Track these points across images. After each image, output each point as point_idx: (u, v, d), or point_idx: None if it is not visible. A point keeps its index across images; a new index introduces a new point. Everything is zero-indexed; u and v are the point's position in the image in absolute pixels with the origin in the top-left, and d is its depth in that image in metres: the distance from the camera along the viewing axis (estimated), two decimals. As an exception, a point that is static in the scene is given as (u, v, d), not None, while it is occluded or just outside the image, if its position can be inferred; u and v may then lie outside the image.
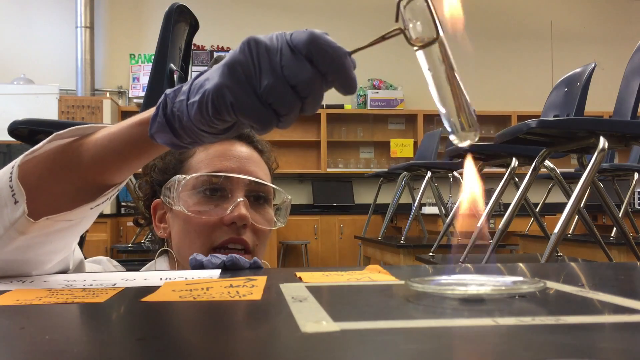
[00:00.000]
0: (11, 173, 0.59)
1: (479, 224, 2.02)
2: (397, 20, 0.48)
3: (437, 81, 0.48)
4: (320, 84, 0.47)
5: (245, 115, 0.47)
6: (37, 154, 0.62)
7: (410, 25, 0.48)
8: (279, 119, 0.48)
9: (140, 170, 1.03)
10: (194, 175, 0.93)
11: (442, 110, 0.49)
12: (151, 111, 0.55)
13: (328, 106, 5.86)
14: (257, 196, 0.96)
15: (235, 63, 0.47)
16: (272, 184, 1.00)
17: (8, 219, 0.59)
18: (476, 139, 0.48)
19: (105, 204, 0.66)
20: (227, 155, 0.95)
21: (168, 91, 0.53)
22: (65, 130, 0.62)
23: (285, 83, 0.46)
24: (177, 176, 0.94)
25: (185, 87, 0.51)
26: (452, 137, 0.49)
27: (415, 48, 0.48)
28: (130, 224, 1.09)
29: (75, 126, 0.63)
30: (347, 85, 0.48)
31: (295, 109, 0.47)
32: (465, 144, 0.49)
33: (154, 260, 0.99)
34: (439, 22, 0.47)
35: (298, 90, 0.47)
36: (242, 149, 0.98)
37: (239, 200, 0.91)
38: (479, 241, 2.05)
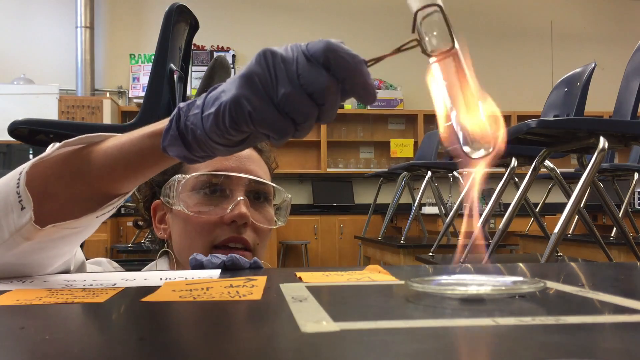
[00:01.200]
0: (18, 179, 0.59)
1: (479, 224, 2.02)
2: (413, 31, 0.48)
3: (452, 92, 0.48)
4: (337, 92, 0.47)
5: (263, 125, 0.47)
6: (46, 160, 0.62)
7: (426, 38, 0.48)
8: (296, 128, 0.48)
9: None
10: (193, 174, 0.93)
11: (456, 121, 0.48)
12: (161, 123, 0.55)
13: (328, 106, 5.86)
14: (257, 195, 0.96)
15: (252, 74, 0.47)
16: (272, 183, 1.00)
17: (14, 224, 0.59)
18: (490, 150, 0.48)
19: (111, 212, 0.66)
20: None
21: (181, 105, 0.53)
22: (75, 138, 0.62)
23: (302, 91, 0.46)
24: (177, 176, 0.94)
25: (199, 101, 0.51)
26: (465, 149, 0.49)
27: (432, 60, 0.48)
28: (131, 224, 1.09)
29: (85, 134, 0.63)
30: (366, 93, 0.48)
31: (312, 117, 0.47)
32: (479, 154, 0.49)
33: (155, 262, 0.99)
34: (455, 34, 0.47)
35: (315, 98, 0.47)
36: None
37: (239, 199, 0.91)
38: (478, 241, 2.05)
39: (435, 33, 0.48)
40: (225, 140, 0.50)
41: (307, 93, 0.46)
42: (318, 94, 0.46)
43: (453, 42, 0.47)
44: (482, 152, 0.48)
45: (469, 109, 0.48)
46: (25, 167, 0.60)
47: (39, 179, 0.61)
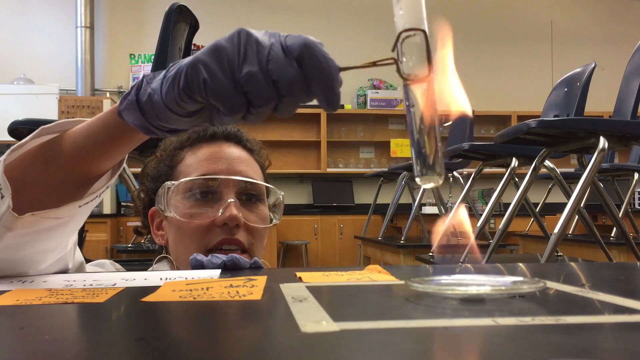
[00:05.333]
0: None
1: (478, 224, 2.03)
2: (393, 49, 0.48)
3: (416, 118, 0.47)
4: (302, 88, 0.47)
5: (215, 96, 0.47)
6: (23, 147, 0.62)
7: (404, 59, 0.48)
8: (249, 110, 0.47)
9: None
10: (182, 180, 0.93)
11: (413, 147, 0.48)
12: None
13: (328, 106, 5.86)
14: (249, 195, 0.96)
15: (220, 47, 0.47)
16: (268, 182, 1.00)
17: None
18: (440, 183, 0.48)
19: (95, 202, 0.65)
20: (216, 157, 0.95)
21: (147, 74, 0.53)
22: (52, 124, 0.63)
23: (267, 75, 0.46)
24: (167, 182, 0.94)
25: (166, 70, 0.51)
26: (417, 179, 0.48)
27: (405, 82, 0.48)
28: (130, 224, 1.09)
29: (63, 120, 0.64)
30: (331, 99, 0.47)
31: (270, 103, 0.47)
32: (429, 186, 0.48)
33: (152, 267, 0.99)
34: (434, 63, 0.47)
35: (278, 87, 0.46)
36: (231, 150, 0.98)
37: (229, 201, 0.91)
38: (474, 246, 2.05)
39: (413, 58, 0.47)
40: (179, 109, 0.49)
41: (272, 80, 0.46)
42: (283, 84, 0.46)
43: (430, 70, 0.47)
44: (431, 185, 0.48)
45: (428, 138, 0.47)
46: (3, 156, 0.60)
47: (17, 165, 0.61)
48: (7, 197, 0.58)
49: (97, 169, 0.64)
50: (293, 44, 0.46)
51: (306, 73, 0.46)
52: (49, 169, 0.63)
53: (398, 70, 0.48)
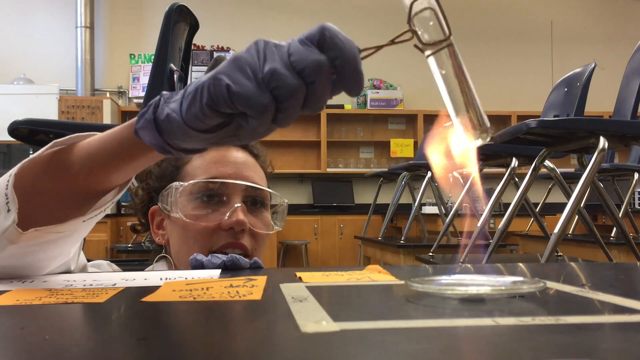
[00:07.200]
0: (8, 181, 0.59)
1: (479, 224, 2.02)
2: (408, 21, 0.47)
3: (448, 83, 0.48)
4: (328, 72, 0.45)
5: (240, 100, 0.45)
6: (33, 161, 0.62)
7: (420, 31, 0.48)
8: (278, 108, 0.45)
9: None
10: (191, 182, 0.94)
11: (453, 111, 0.48)
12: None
13: (328, 106, 5.84)
14: (254, 201, 0.97)
15: (238, 57, 0.46)
16: (269, 187, 1.00)
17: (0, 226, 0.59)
18: (488, 139, 0.48)
19: (99, 217, 0.65)
20: (223, 161, 0.96)
21: (165, 92, 0.52)
22: (64, 137, 0.62)
23: (291, 68, 0.44)
24: (175, 183, 0.94)
25: (183, 90, 0.51)
26: (463, 137, 0.49)
27: (427, 53, 0.48)
28: (130, 223, 1.09)
29: (75, 134, 0.63)
30: (355, 80, 0.46)
31: (298, 95, 0.45)
32: (477, 143, 0.48)
33: (151, 266, 0.99)
34: (448, 25, 0.47)
35: (304, 76, 0.44)
36: (238, 155, 0.99)
37: (236, 205, 0.92)
38: (479, 241, 2.06)
39: (431, 23, 0.47)
40: (201, 125, 0.47)
41: (296, 71, 0.44)
42: (308, 70, 0.44)
43: (449, 31, 0.47)
44: (480, 142, 0.48)
45: (466, 98, 0.48)
46: (15, 168, 0.60)
47: (26, 177, 0.61)
48: (14, 211, 0.58)
49: (108, 183, 0.63)
50: (310, 33, 0.46)
51: (328, 55, 0.45)
52: (59, 180, 0.62)
53: (418, 40, 0.47)
